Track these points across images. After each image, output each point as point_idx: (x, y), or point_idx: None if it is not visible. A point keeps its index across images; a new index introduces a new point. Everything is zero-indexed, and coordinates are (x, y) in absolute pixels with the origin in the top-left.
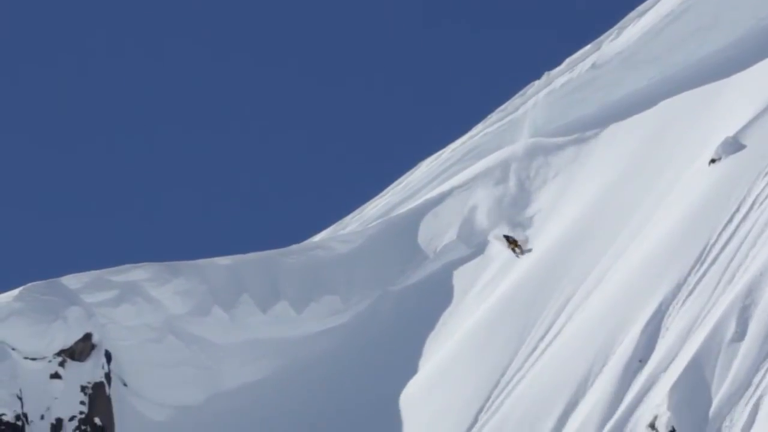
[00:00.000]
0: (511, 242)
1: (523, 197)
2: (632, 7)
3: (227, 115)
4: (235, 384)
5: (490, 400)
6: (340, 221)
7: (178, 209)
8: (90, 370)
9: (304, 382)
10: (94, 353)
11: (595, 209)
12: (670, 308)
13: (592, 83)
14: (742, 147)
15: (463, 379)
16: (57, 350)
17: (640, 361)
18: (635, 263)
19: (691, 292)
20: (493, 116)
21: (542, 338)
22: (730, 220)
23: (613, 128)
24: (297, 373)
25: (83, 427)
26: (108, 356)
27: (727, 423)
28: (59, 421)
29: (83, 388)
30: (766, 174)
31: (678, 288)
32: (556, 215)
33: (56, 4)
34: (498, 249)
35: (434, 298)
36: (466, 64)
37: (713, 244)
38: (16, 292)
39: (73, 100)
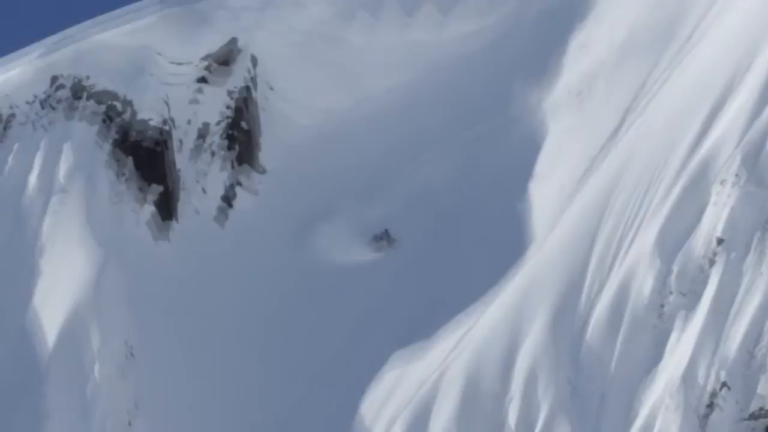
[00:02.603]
0: None
1: None
2: None
3: None
4: (381, 87)
5: (636, 101)
6: None
7: None
8: (236, 75)
9: (449, 84)
10: (240, 57)
11: None
12: None
13: None
14: None
15: (609, 85)
16: (203, 55)
17: None
18: None
19: None
20: None
21: (689, 38)
22: None
23: None
24: (442, 75)
25: (230, 132)
26: (254, 60)
27: None
28: (206, 125)
29: (229, 93)
30: None
31: None
32: None
33: None
34: None
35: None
36: None
37: None
38: None
39: None
